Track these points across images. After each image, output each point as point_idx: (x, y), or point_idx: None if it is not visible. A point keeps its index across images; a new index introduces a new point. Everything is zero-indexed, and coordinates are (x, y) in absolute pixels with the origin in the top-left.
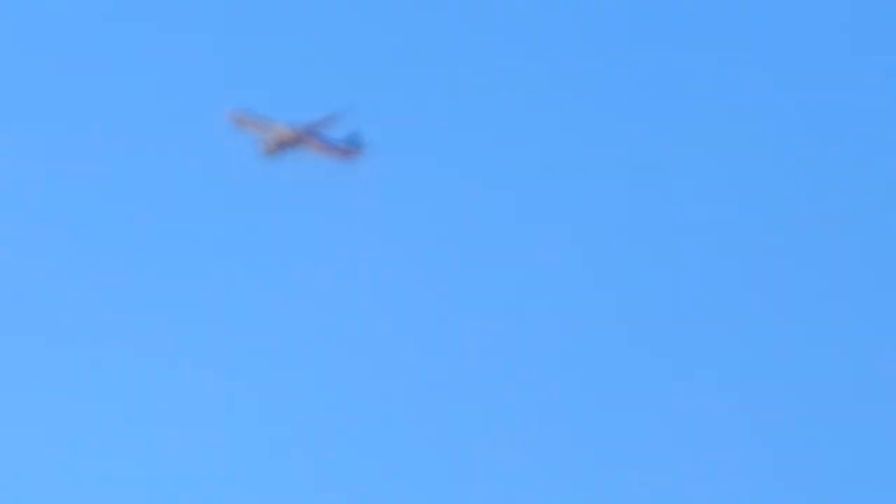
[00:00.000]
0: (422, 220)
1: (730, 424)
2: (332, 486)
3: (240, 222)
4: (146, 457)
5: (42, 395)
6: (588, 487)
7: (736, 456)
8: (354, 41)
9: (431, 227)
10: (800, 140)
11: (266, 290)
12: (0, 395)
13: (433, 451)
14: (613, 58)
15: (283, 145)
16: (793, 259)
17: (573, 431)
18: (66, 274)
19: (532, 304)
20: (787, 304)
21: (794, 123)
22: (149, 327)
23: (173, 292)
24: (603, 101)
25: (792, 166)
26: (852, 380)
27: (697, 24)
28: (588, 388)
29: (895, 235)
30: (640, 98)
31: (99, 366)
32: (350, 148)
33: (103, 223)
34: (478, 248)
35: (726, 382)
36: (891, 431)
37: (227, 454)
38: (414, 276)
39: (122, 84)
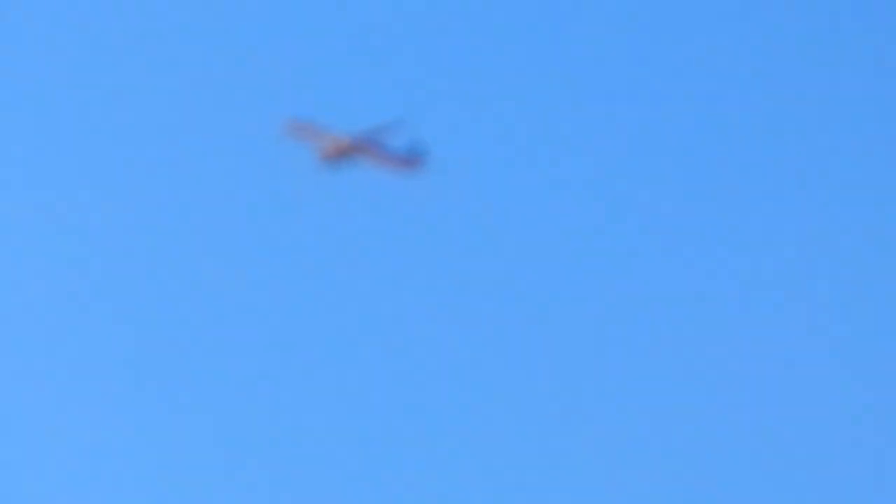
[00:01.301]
0: (485, 228)
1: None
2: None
3: (296, 231)
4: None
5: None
6: None
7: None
8: (417, 47)
9: (495, 236)
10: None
11: (324, 297)
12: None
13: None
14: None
15: (341, 154)
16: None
17: None
18: (110, 286)
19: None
20: None
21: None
22: (197, 334)
23: (227, 299)
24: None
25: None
26: None
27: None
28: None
29: None
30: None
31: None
32: (411, 157)
33: (154, 232)
34: (544, 255)
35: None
36: None
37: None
38: (474, 284)
39: (175, 93)
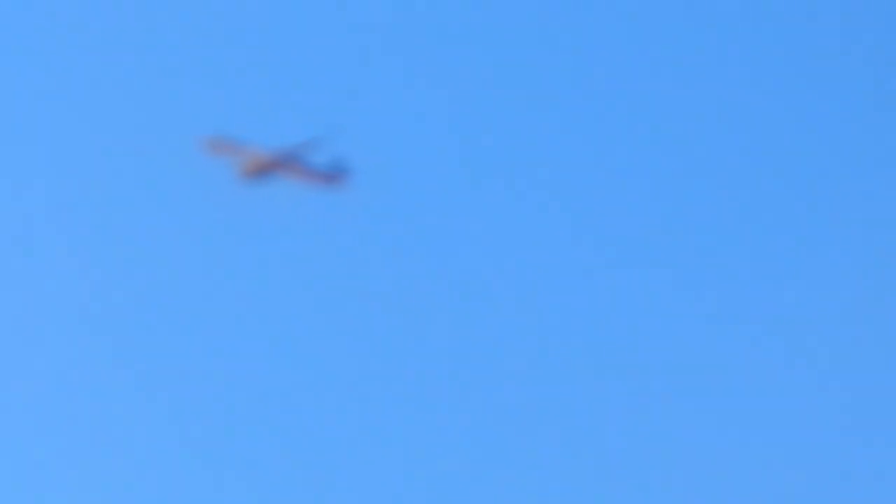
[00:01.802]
0: (409, 247)
1: None
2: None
3: (215, 250)
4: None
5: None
6: None
7: None
8: (341, 62)
9: (419, 255)
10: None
11: (247, 317)
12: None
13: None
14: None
15: (261, 171)
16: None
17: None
18: (43, 303)
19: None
20: None
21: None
22: (122, 349)
23: (155, 312)
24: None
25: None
26: None
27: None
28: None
29: None
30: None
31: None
32: (333, 173)
33: (78, 246)
34: (466, 276)
35: None
36: None
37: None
38: (396, 302)
39: (93, 108)
